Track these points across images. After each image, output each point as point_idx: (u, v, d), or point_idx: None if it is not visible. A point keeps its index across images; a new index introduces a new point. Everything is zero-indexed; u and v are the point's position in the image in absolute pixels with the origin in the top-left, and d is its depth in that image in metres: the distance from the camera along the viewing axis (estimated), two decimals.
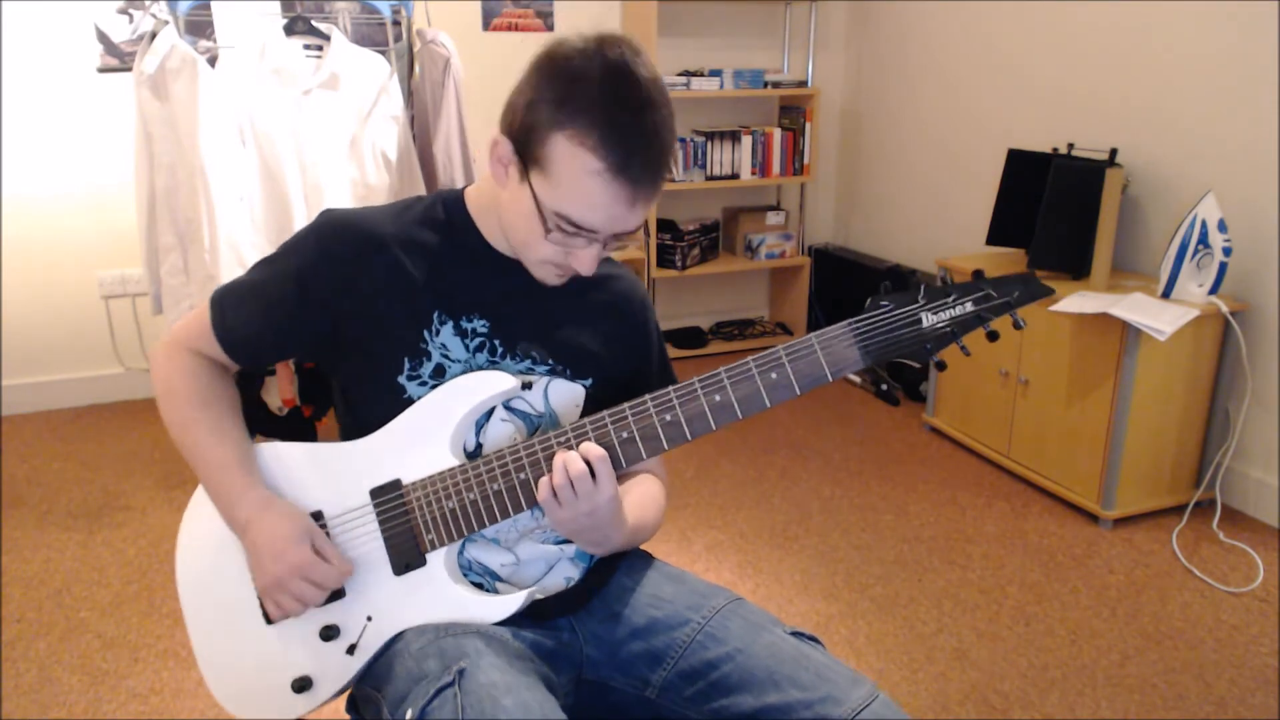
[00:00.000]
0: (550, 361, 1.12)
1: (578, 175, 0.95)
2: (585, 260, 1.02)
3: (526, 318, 1.11)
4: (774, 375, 0.99)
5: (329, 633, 1.07)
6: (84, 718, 1.90)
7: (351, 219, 1.09)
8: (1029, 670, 2.03)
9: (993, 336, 1.00)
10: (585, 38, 0.97)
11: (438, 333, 1.08)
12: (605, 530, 1.05)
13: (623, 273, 1.22)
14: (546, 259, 1.04)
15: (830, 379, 0.99)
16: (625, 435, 1.00)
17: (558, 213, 0.98)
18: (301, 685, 1.07)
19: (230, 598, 1.11)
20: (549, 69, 0.97)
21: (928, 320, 0.99)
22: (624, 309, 1.19)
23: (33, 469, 3.05)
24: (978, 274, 1.00)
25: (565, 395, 1.12)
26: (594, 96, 0.94)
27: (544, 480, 1.00)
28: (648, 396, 1.01)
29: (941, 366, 1.03)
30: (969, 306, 0.99)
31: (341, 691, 1.09)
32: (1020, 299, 1.01)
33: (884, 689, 1.91)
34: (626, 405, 1.01)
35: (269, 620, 1.10)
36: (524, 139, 0.98)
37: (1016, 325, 1.00)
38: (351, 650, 1.07)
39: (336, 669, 1.08)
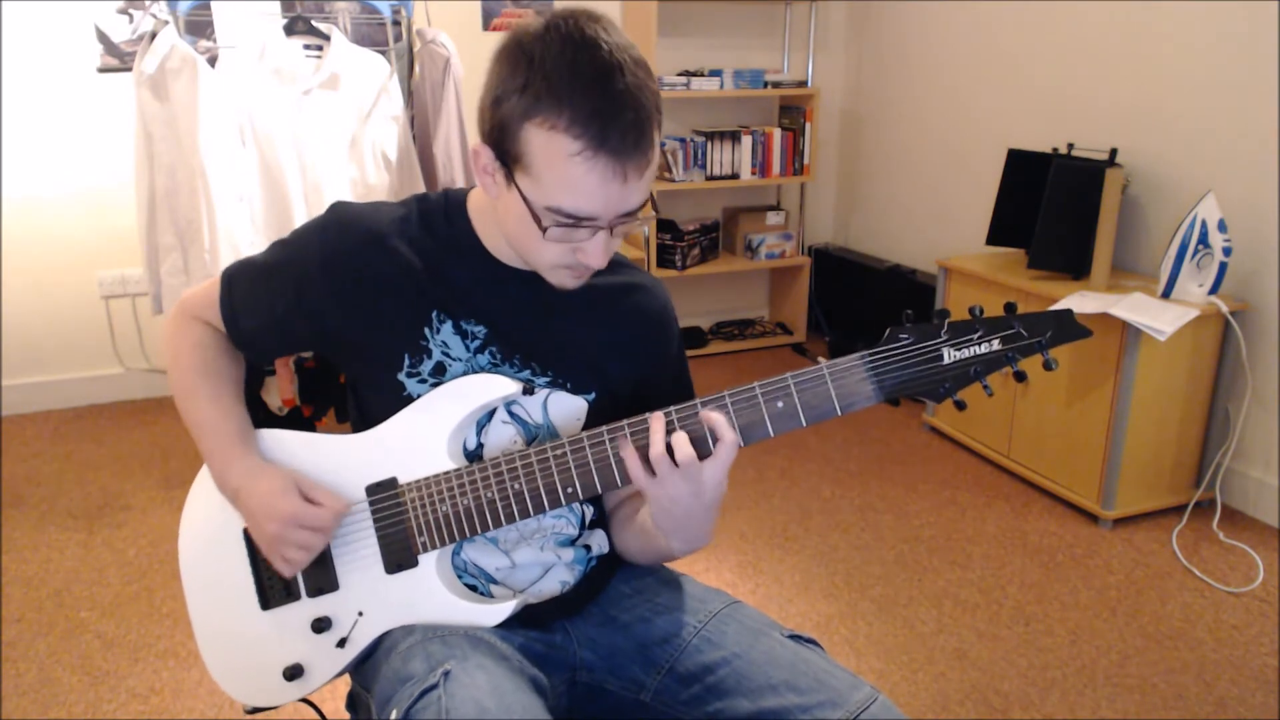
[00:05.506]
0: (550, 374, 1.09)
1: (558, 162, 0.90)
2: (594, 252, 0.97)
3: (525, 331, 1.08)
4: (780, 404, 0.95)
5: (320, 624, 1.08)
6: (84, 718, 1.90)
7: (357, 214, 1.08)
8: (1029, 670, 2.02)
9: (1020, 377, 0.93)
10: (541, 19, 0.91)
11: (438, 330, 1.07)
12: (707, 516, 1.00)
13: (642, 282, 1.17)
14: (555, 262, 0.99)
15: (839, 413, 0.94)
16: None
17: (549, 207, 0.92)
18: (292, 673, 1.08)
19: (228, 580, 1.12)
20: (506, 60, 0.92)
21: (950, 356, 0.93)
22: (639, 322, 1.14)
23: (33, 469, 3.05)
24: (1009, 308, 0.94)
25: (565, 408, 1.10)
26: (553, 74, 0.88)
27: (632, 453, 0.95)
28: (648, 416, 0.97)
29: (961, 406, 0.94)
30: (995, 345, 0.93)
31: (330, 681, 1.10)
32: (1053, 340, 0.93)
33: (884, 689, 1.91)
34: (626, 423, 0.98)
35: (265, 606, 1.10)
36: (499, 140, 0.93)
37: (1047, 366, 0.94)
38: (342, 644, 1.07)
39: (327, 661, 1.08)
